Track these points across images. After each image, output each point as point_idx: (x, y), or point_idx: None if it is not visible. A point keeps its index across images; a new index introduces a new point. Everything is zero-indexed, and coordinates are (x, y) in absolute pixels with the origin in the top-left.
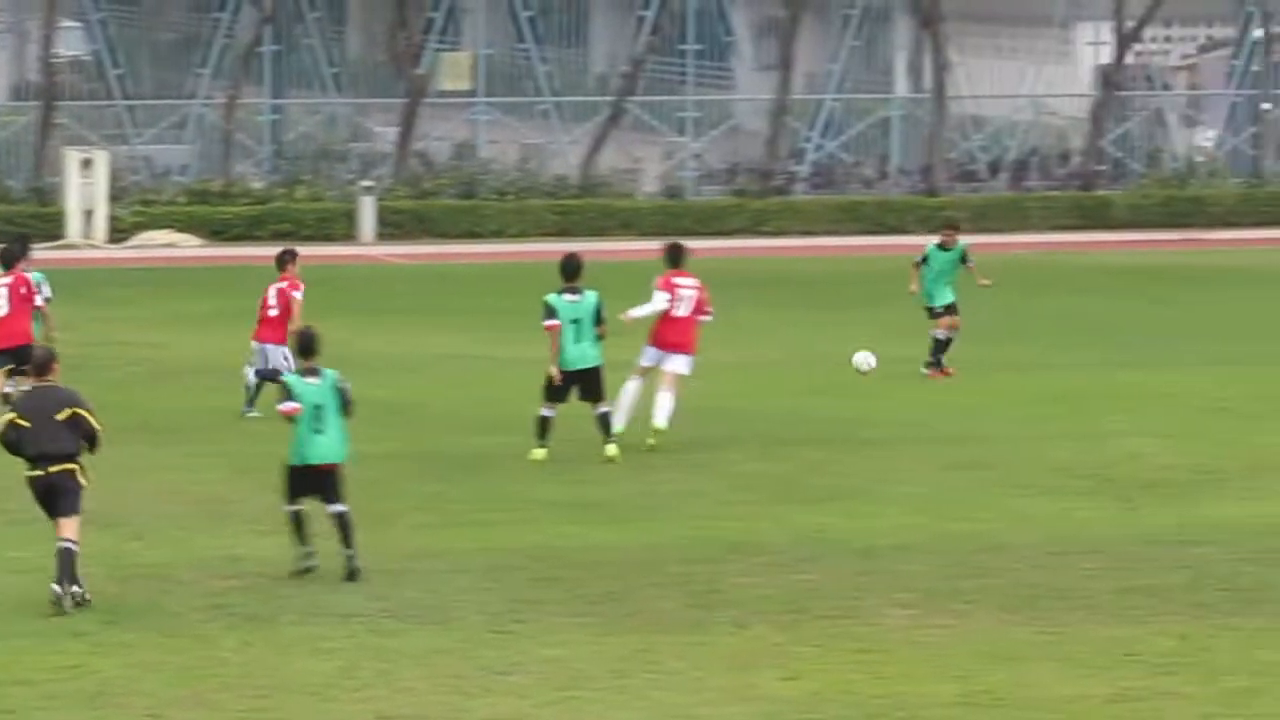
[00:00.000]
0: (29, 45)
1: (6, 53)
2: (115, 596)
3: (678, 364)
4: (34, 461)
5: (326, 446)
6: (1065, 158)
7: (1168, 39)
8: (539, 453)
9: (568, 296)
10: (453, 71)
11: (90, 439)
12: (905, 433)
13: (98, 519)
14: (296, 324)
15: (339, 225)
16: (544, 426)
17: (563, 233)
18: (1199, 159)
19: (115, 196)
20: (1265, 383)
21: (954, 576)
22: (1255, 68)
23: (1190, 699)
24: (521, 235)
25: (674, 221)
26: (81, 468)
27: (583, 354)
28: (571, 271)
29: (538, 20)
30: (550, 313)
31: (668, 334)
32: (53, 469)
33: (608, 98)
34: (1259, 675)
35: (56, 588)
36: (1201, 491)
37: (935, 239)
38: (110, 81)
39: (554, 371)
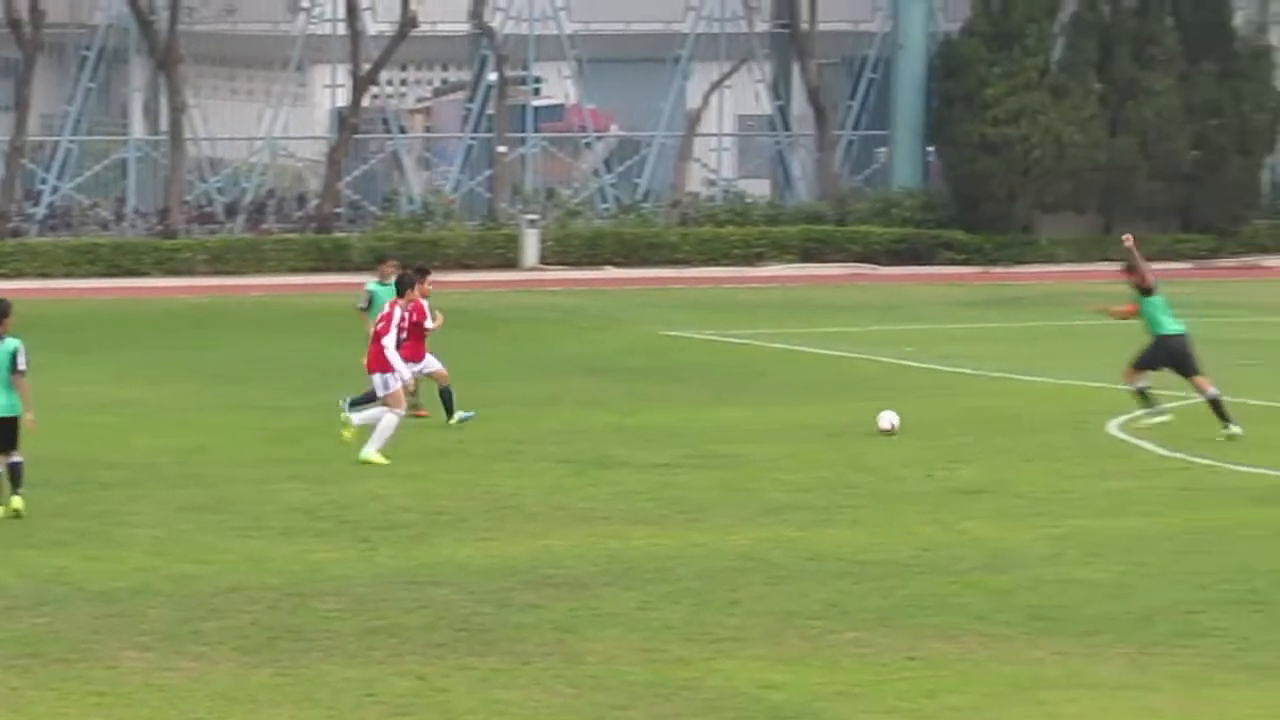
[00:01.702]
0: None
1: None
2: None
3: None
4: None
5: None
6: (303, 200)
7: (404, 82)
8: None
9: None
10: None
11: None
12: (142, 475)
13: None
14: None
15: None
16: None
17: None
18: (434, 201)
19: None
20: (499, 424)
21: (193, 619)
22: (490, 111)
23: None
24: None
25: None
26: None
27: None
28: None
29: None
30: None
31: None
32: None
33: None
34: (496, 715)
35: None
36: (440, 532)
37: (373, 278)
38: None
39: None
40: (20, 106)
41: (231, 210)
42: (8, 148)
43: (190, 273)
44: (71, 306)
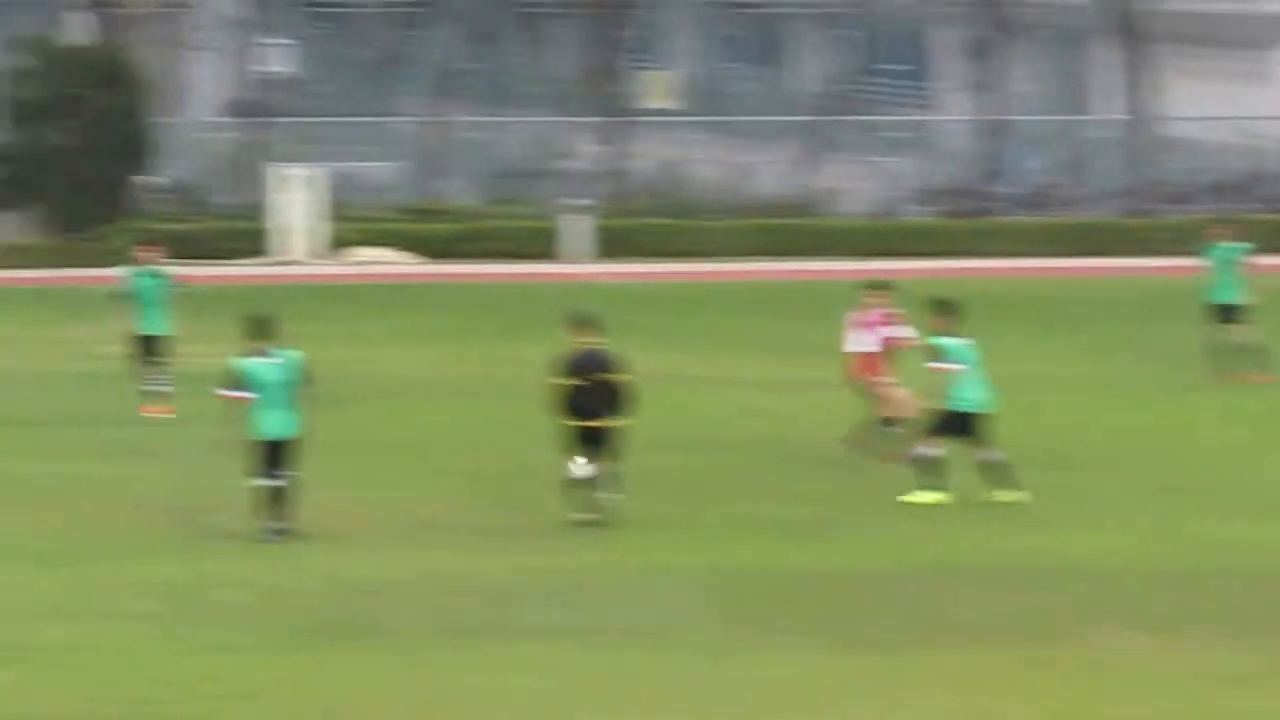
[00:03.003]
0: (238, 62)
1: (216, 70)
2: (338, 612)
3: None
4: None
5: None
6: (1270, 180)
7: None
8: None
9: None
10: (658, 90)
11: None
12: (1113, 454)
13: (321, 534)
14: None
15: (545, 243)
16: None
17: (767, 252)
18: None
19: (325, 213)
20: None
21: (1182, 601)
22: None
23: None
24: (728, 255)
25: (878, 242)
26: None
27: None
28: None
29: (740, 39)
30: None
31: None
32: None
33: (812, 117)
34: None
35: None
36: None
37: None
38: (318, 99)
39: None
40: (987, 86)
41: (1197, 190)
42: (975, 127)
43: (1154, 252)
44: (1036, 286)
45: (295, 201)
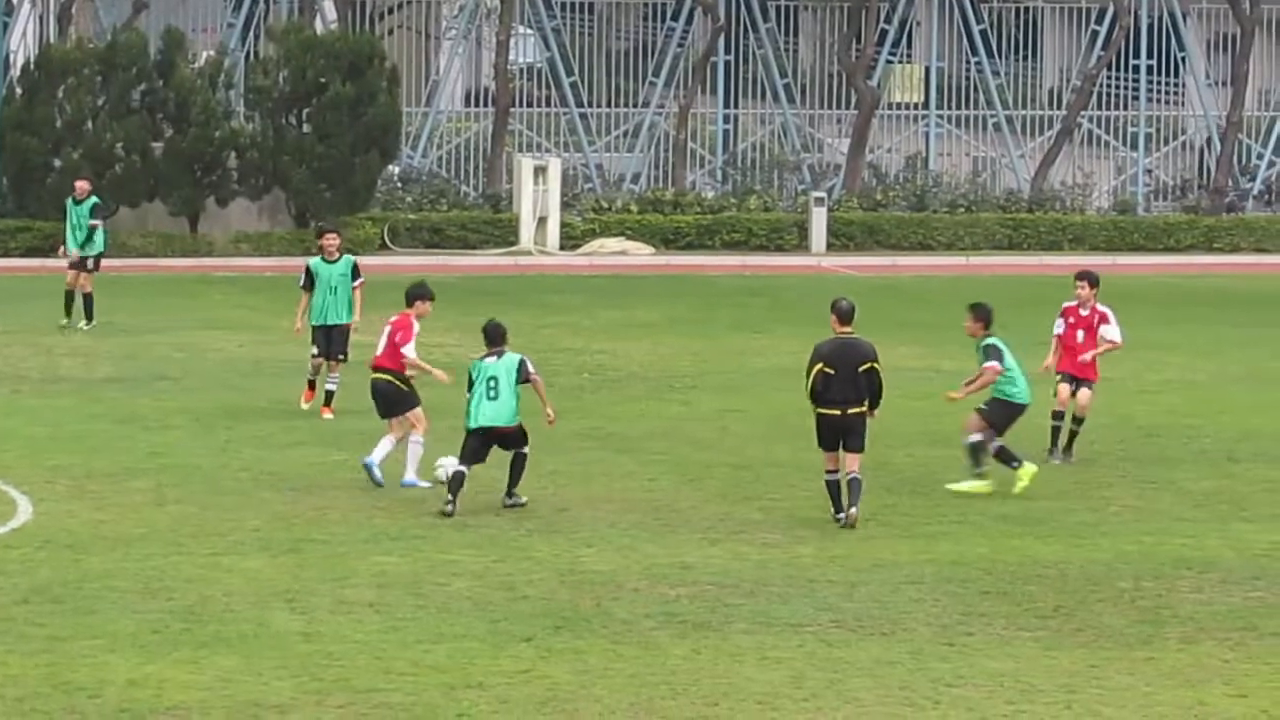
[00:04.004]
0: (484, 52)
1: (461, 60)
2: (565, 603)
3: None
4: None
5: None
6: None
7: None
8: None
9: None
10: (904, 84)
11: None
12: None
13: (548, 525)
14: None
15: (790, 236)
16: None
17: (1013, 246)
18: None
19: (567, 204)
20: None
21: None
22: None
23: None
24: (972, 248)
25: (1124, 237)
26: None
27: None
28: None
29: (989, 33)
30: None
31: None
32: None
33: (1059, 112)
34: None
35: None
36: None
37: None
38: (564, 89)
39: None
40: (1237, 81)
41: None
42: (1225, 122)
43: None
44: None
45: (538, 192)
